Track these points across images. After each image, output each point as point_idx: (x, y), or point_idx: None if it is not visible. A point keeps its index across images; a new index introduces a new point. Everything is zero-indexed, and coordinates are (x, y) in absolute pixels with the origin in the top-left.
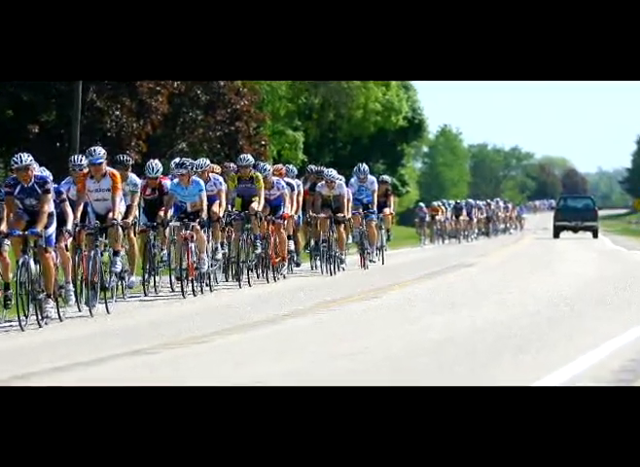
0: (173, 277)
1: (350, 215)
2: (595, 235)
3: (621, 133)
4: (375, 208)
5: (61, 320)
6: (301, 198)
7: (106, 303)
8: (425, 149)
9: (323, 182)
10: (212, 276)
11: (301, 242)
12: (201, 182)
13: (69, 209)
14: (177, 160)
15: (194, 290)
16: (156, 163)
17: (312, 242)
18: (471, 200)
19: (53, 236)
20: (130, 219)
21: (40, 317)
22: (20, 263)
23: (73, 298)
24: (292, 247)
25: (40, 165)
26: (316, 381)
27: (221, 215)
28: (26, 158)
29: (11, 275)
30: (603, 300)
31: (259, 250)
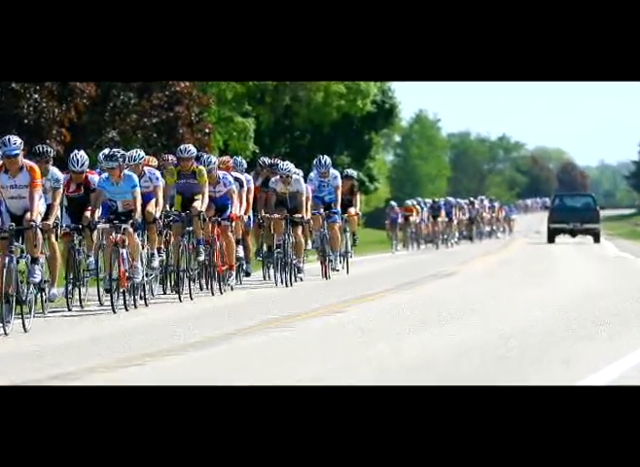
0: (102, 289)
1: (309, 216)
2: (597, 240)
3: (626, 121)
4: (339, 208)
5: None
6: (251, 196)
7: (23, 318)
8: (397, 138)
9: (277, 177)
10: (147, 288)
11: (251, 248)
12: (135, 177)
13: None
14: (106, 151)
15: (126, 304)
16: (81, 155)
17: (265, 248)
18: (451, 199)
19: None
20: (51, 220)
21: None
22: None
23: None
24: (241, 253)
25: None
26: None
27: (158, 216)
28: None
29: None
30: (605, 316)
31: (202, 257)
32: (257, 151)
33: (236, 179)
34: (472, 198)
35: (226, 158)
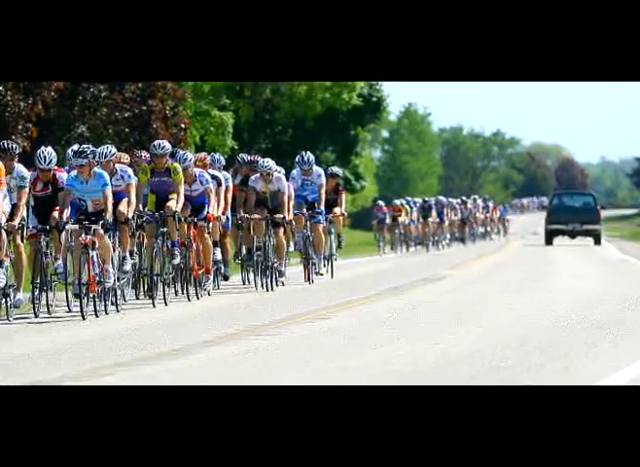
0: (70, 294)
1: (292, 216)
2: (598, 242)
3: (629, 115)
4: (323, 208)
5: None
6: (230, 195)
7: None
8: (385, 134)
9: (257, 175)
10: (119, 293)
11: (230, 250)
12: (106, 175)
13: None
14: (75, 147)
15: (96, 310)
16: (48, 152)
17: (244, 250)
18: (442, 198)
19: None
20: (17, 221)
21: None
22: None
23: None
24: (218, 256)
25: None
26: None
27: (130, 216)
28: None
29: None
30: (607, 323)
31: (177, 260)
32: (236, 147)
33: (214, 177)
34: (464, 198)
35: (202, 154)
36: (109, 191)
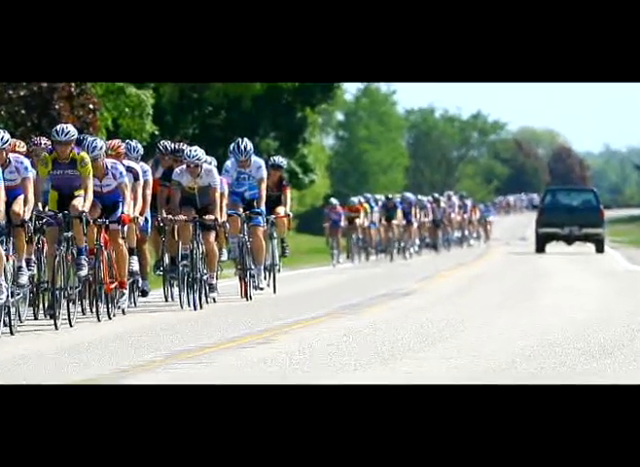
0: None
1: (225, 217)
2: (600, 249)
3: (636, 95)
4: (264, 207)
5: None
6: (149, 192)
7: None
8: (340, 116)
9: (183, 167)
10: (13, 311)
11: (149, 259)
12: None
13: None
14: None
15: None
16: None
17: (167, 259)
18: (409, 195)
19: None
20: None
21: None
22: None
23: None
24: (135, 267)
25: None
26: None
27: (27, 218)
28: None
29: None
30: (611, 348)
31: (85, 271)
32: (156, 132)
33: (129, 169)
34: (437, 195)
35: (116, 142)
36: (1, 187)
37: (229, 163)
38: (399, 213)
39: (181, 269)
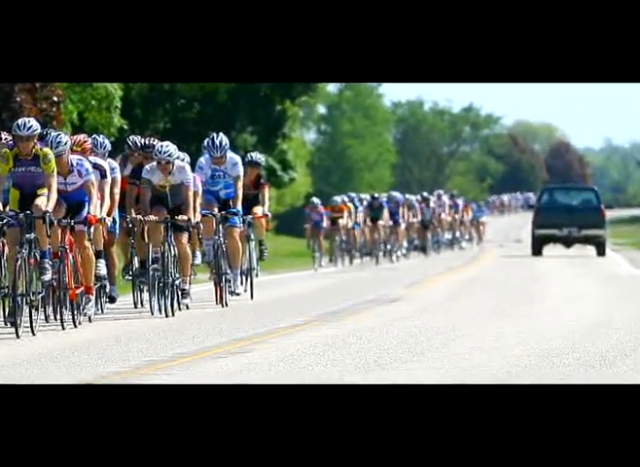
0: None
1: (199, 218)
2: (601, 251)
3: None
4: (240, 207)
5: None
6: (117, 191)
7: None
8: (322, 110)
9: (154, 163)
10: None
11: (117, 263)
12: None
13: None
14: None
15: None
16: None
17: (136, 263)
18: (397, 194)
19: None
20: None
21: None
22: None
23: None
24: (103, 271)
25: None
26: None
27: None
28: None
29: None
30: (613, 358)
31: (48, 276)
32: (125, 127)
33: (96, 166)
34: (426, 194)
35: (82, 136)
36: None
37: (202, 160)
38: (385, 213)
39: (151, 273)
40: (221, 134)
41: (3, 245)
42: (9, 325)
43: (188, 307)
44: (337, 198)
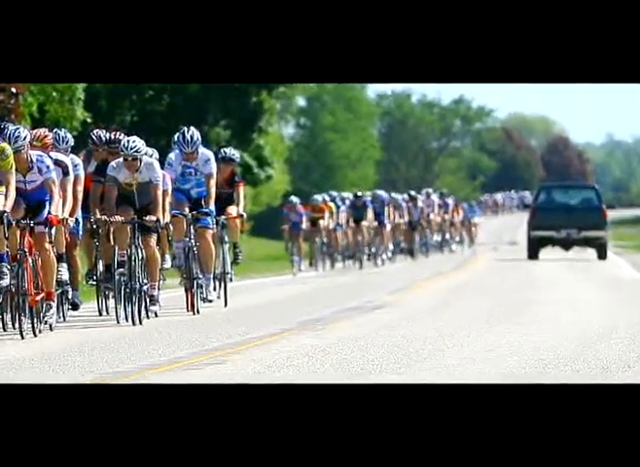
0: None
1: (169, 218)
2: (602, 255)
3: None
4: (213, 206)
5: None
6: (80, 189)
7: None
8: (301, 102)
9: (120, 160)
10: None
11: (80, 267)
12: None
13: None
14: None
15: None
16: None
17: (101, 267)
18: (382, 193)
19: None
20: None
21: None
22: None
23: None
24: (65, 275)
25: None
26: None
27: None
28: None
29: None
30: (615, 369)
31: (5, 281)
32: (89, 120)
33: (58, 163)
34: (413, 193)
35: (42, 131)
36: None
37: (172, 156)
38: (369, 213)
39: (117, 278)
40: (192, 128)
41: None
42: None
43: (157, 315)
44: (318, 197)
